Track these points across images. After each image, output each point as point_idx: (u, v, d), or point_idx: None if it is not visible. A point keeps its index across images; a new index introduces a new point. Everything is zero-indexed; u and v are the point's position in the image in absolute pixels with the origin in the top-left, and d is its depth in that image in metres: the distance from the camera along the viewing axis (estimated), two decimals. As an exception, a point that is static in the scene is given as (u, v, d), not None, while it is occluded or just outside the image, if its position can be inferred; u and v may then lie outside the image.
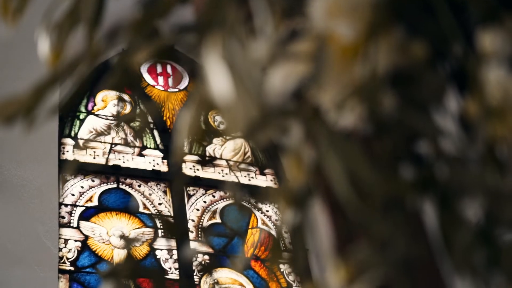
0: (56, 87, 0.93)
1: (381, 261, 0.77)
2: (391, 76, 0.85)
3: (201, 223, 5.20)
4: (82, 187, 5.06)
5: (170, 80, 6.07)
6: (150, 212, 5.06)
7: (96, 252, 4.72)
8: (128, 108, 5.66)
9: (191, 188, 5.39)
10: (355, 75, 0.85)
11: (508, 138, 0.77)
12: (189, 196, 5.33)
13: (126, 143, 5.44)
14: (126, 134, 5.50)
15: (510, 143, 0.79)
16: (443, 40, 0.89)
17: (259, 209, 5.42)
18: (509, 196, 0.82)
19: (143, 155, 5.45)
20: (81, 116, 5.51)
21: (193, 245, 5.08)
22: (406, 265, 0.79)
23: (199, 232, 5.14)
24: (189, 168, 5.49)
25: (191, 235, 5.10)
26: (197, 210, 5.27)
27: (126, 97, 5.63)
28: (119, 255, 4.68)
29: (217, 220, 5.29)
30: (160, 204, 5.15)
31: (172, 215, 5.13)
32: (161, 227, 4.98)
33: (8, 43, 4.65)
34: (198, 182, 5.41)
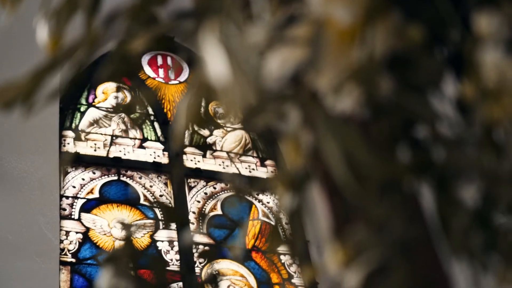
0: (54, 72, 0.93)
1: (378, 243, 0.77)
2: (388, 59, 0.85)
3: (203, 218, 5.20)
4: (83, 179, 5.06)
5: (170, 72, 6.07)
6: (150, 204, 5.07)
7: (97, 244, 4.73)
8: (128, 100, 5.66)
9: (192, 180, 5.39)
10: (353, 59, 0.85)
11: (504, 120, 0.78)
12: (190, 188, 5.33)
13: (126, 131, 5.44)
14: (126, 125, 5.50)
15: (507, 125, 0.79)
16: (440, 24, 0.89)
17: (260, 201, 5.42)
18: (506, 179, 0.83)
19: (144, 147, 5.45)
20: (82, 109, 5.51)
21: (194, 236, 5.09)
22: (403, 247, 0.79)
23: (200, 221, 5.15)
24: (190, 160, 5.49)
25: (192, 227, 5.11)
26: (198, 201, 5.28)
27: (125, 89, 5.63)
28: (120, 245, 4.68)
29: (218, 211, 5.30)
30: (161, 196, 5.15)
31: (173, 206, 5.13)
32: (161, 214, 4.99)
33: (7, 31, 4.64)
34: (199, 174, 5.42)
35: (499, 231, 0.86)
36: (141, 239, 4.83)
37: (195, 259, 4.88)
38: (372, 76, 0.84)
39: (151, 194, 5.14)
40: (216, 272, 4.77)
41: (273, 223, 5.29)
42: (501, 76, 0.77)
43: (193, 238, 5.02)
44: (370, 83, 0.84)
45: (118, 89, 5.25)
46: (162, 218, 4.93)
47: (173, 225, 4.97)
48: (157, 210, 5.04)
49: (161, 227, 4.97)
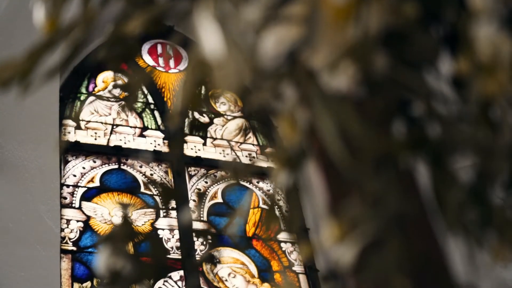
0: (51, 51, 0.93)
1: (373, 217, 0.77)
2: (383, 36, 0.85)
3: (203, 202, 5.21)
4: (84, 168, 5.07)
5: (171, 61, 6.07)
6: (151, 193, 5.08)
7: (98, 232, 4.74)
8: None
9: (193, 168, 5.40)
10: (348, 36, 0.85)
11: (498, 94, 0.78)
12: (190, 177, 5.34)
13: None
14: (125, 112, 5.50)
15: (501, 99, 0.80)
16: (435, 0, 0.89)
17: (260, 189, 5.43)
18: (501, 154, 0.83)
19: (144, 136, 5.46)
20: (82, 98, 5.52)
21: (195, 225, 5.10)
22: (399, 222, 0.80)
23: (201, 206, 5.16)
24: (190, 148, 5.50)
25: (193, 215, 5.12)
26: (199, 190, 5.28)
27: (123, 75, 5.63)
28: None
29: (219, 200, 5.31)
30: (161, 184, 5.16)
31: (172, 186, 5.13)
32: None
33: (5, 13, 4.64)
34: (199, 162, 5.42)
35: (493, 207, 0.87)
36: (142, 227, 4.84)
37: (195, 247, 4.89)
38: (367, 53, 0.85)
39: (151, 182, 5.15)
40: (217, 260, 4.79)
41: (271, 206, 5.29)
42: (495, 50, 0.77)
43: (191, 217, 5.02)
44: (366, 60, 0.85)
45: (115, 76, 5.24)
46: (160, 198, 4.94)
47: (174, 213, 4.98)
48: (157, 198, 5.05)
49: (161, 215, 4.98)
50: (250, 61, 0.87)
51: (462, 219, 0.85)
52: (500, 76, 0.76)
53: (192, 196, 5.21)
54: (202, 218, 5.10)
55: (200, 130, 5.24)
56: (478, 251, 0.86)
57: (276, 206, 4.58)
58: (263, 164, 5.49)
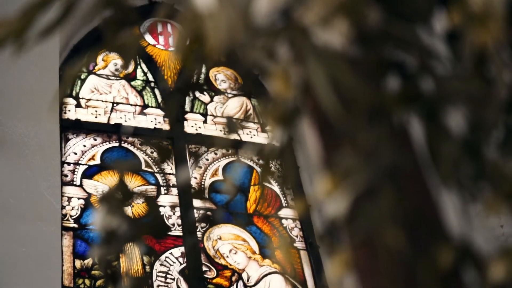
0: (45, 10, 0.93)
1: (366, 167, 0.78)
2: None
3: (203, 180, 5.22)
4: (85, 145, 5.08)
5: (170, 39, 6.06)
6: (152, 170, 5.08)
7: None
8: (130, 68, 5.66)
9: (193, 146, 5.40)
10: (341, -9, 0.85)
11: (490, 44, 0.78)
12: (191, 154, 5.34)
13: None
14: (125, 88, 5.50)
15: (494, 52, 0.80)
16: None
17: (261, 166, 5.44)
18: (495, 107, 0.83)
19: (144, 114, 5.46)
20: (82, 76, 5.51)
21: (196, 203, 5.10)
22: (392, 174, 0.80)
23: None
24: (191, 126, 5.50)
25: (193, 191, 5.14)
26: (200, 167, 5.29)
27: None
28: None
29: (220, 177, 5.32)
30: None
31: (174, 172, 5.14)
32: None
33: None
34: (200, 140, 5.43)
35: (488, 161, 0.87)
36: (143, 205, 4.85)
37: (197, 224, 4.90)
38: (360, 8, 0.85)
39: (152, 160, 5.16)
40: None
41: (274, 188, 5.30)
42: (487, 1, 0.77)
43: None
44: (358, 15, 0.85)
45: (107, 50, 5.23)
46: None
47: (175, 190, 4.99)
48: (158, 176, 5.06)
49: (163, 192, 4.99)
50: (243, 18, 0.86)
51: (456, 173, 0.85)
52: (492, 26, 0.77)
53: (193, 173, 5.22)
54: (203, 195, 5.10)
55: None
56: (472, 205, 0.87)
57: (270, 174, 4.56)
58: (264, 141, 5.49)
